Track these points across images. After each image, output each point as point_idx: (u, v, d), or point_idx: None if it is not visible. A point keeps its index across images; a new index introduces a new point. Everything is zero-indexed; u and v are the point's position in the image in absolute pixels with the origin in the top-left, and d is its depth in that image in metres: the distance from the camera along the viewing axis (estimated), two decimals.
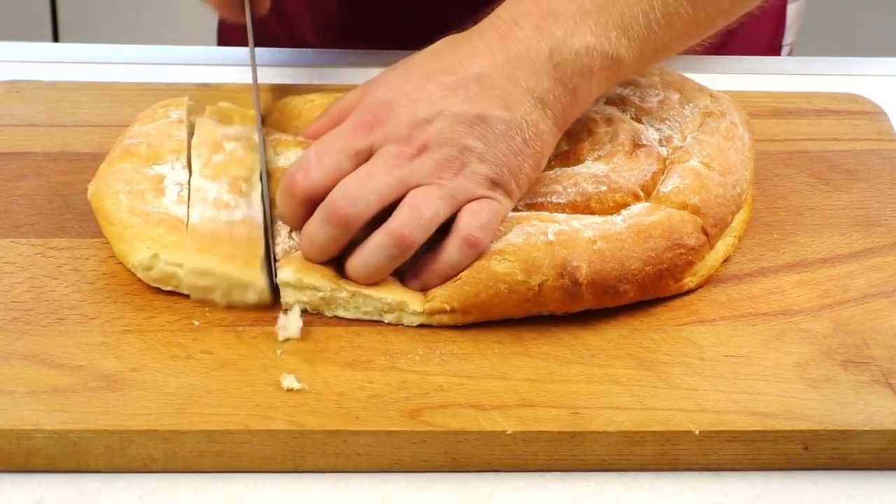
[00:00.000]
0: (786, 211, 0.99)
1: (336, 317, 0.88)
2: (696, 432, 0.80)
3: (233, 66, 1.17)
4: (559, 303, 0.87)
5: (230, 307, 0.88)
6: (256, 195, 0.91)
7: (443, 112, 0.86)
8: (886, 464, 0.82)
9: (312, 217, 0.86)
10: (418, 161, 0.86)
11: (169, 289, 0.88)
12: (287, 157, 0.94)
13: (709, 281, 0.92)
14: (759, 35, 1.29)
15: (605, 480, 0.81)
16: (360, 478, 0.80)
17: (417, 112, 0.86)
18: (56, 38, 2.46)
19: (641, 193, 0.91)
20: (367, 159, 0.87)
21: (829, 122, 1.08)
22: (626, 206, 0.90)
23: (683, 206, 0.91)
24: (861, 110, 1.09)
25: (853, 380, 0.84)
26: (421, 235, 0.85)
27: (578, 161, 0.93)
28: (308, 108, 1.00)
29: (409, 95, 0.87)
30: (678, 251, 0.89)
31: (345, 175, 0.86)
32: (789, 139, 1.06)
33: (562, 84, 0.88)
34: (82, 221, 0.93)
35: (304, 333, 0.86)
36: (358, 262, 0.86)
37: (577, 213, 0.90)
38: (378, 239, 0.86)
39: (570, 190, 0.90)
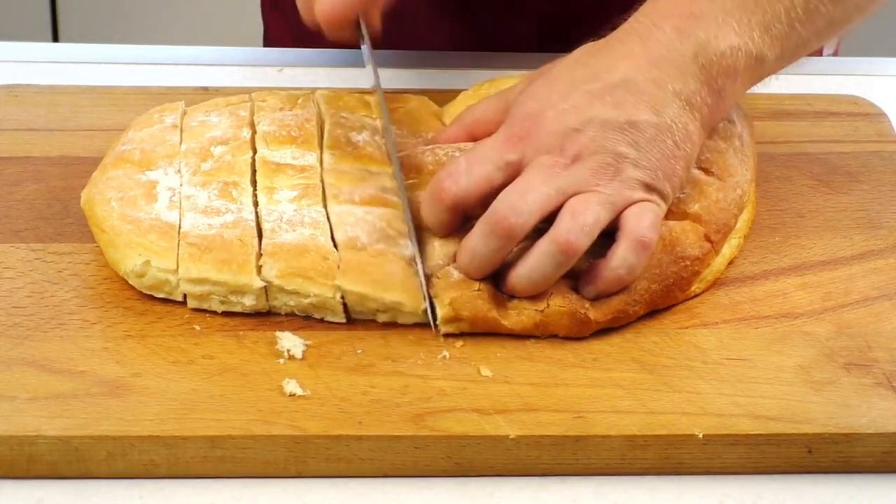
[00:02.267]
0: (787, 213, 0.98)
1: (348, 321, 0.87)
2: (700, 436, 0.80)
3: (233, 67, 1.17)
4: (568, 328, 0.86)
5: (228, 313, 0.87)
6: (247, 199, 0.90)
7: (592, 120, 0.86)
8: (890, 466, 0.82)
9: (473, 232, 0.86)
10: (573, 170, 0.85)
11: (162, 295, 0.88)
12: (281, 154, 0.93)
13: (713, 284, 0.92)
14: None
15: (605, 480, 0.81)
16: (362, 483, 0.80)
17: (567, 122, 0.86)
18: (56, 39, 2.46)
19: None
20: (517, 171, 0.86)
21: (829, 123, 1.07)
22: None
23: (683, 216, 0.90)
24: (861, 112, 1.09)
25: (856, 383, 0.84)
26: (585, 242, 0.85)
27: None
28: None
29: (556, 106, 0.87)
30: (683, 264, 0.89)
31: (494, 186, 0.86)
32: (790, 141, 1.06)
33: (707, 86, 0.88)
34: (82, 226, 0.92)
35: (305, 337, 0.86)
36: (524, 272, 0.85)
37: None
38: (543, 247, 0.85)
39: None
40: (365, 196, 0.91)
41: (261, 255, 0.87)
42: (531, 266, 0.85)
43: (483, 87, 1.02)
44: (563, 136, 0.85)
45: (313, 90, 1.01)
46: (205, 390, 0.81)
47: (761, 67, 0.89)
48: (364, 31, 0.95)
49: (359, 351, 0.85)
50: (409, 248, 0.88)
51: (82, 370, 0.82)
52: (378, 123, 0.97)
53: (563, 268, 0.85)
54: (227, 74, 1.16)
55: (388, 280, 0.86)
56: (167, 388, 0.81)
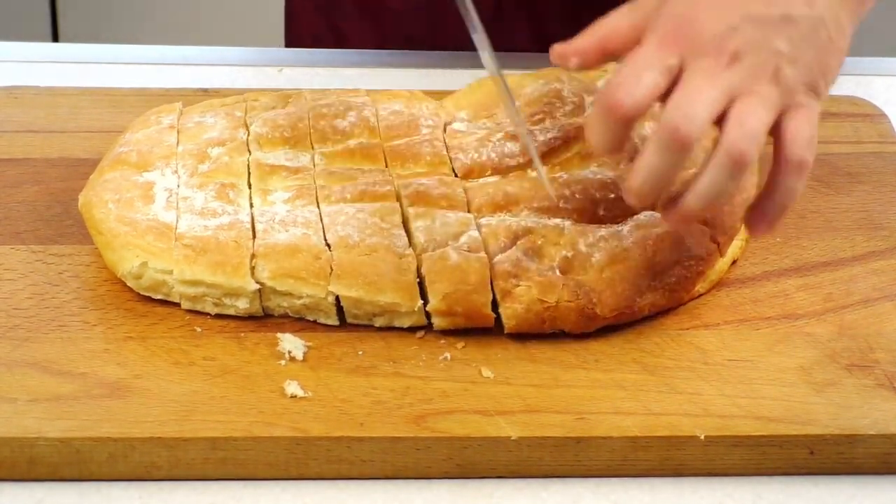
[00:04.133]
0: (788, 214, 0.98)
1: (340, 324, 0.87)
2: (702, 437, 0.80)
3: (232, 67, 1.17)
4: (574, 323, 0.86)
5: (221, 315, 0.87)
6: (245, 201, 0.90)
7: (747, 18, 0.84)
8: (892, 468, 0.82)
9: (646, 148, 0.83)
10: (734, 70, 0.83)
11: (160, 297, 0.88)
12: (276, 155, 0.93)
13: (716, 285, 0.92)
14: None
15: (605, 480, 0.81)
16: (364, 484, 0.80)
17: (722, 21, 0.84)
18: (56, 39, 2.45)
19: None
20: (678, 75, 0.84)
21: (830, 125, 1.07)
22: (633, 213, 0.90)
23: None
24: (862, 113, 1.09)
25: (858, 384, 0.84)
26: (756, 150, 0.82)
27: (585, 165, 0.93)
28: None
29: (708, 5, 0.85)
30: (687, 263, 0.89)
31: (661, 92, 0.84)
32: None
33: None
34: (82, 228, 0.92)
35: (306, 339, 0.86)
36: (701, 189, 0.83)
37: (583, 220, 0.89)
38: (717, 162, 0.82)
39: (578, 196, 0.90)
40: (356, 193, 0.90)
41: (254, 256, 0.87)
42: (707, 183, 0.83)
43: (486, 83, 1.01)
44: (720, 37, 0.83)
45: (301, 91, 1.00)
46: (206, 392, 0.81)
47: None
48: (473, 14, 0.92)
49: (360, 352, 0.85)
50: (402, 237, 0.87)
51: (83, 372, 0.82)
52: (358, 100, 0.97)
53: (738, 179, 0.83)
54: (226, 74, 1.16)
55: (381, 281, 0.86)
56: (168, 389, 0.81)
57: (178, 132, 0.95)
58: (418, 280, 0.87)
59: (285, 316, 0.87)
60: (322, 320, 0.87)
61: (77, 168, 0.98)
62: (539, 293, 0.85)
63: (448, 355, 0.85)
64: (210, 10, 2.42)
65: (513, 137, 0.94)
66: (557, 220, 0.89)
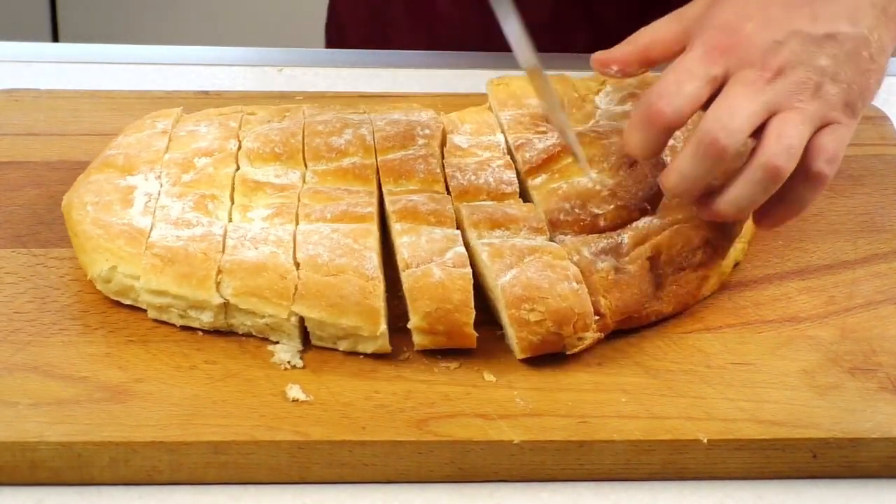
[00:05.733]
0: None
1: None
2: (705, 441, 0.80)
3: (233, 67, 1.17)
4: (590, 346, 0.85)
5: (186, 328, 0.86)
6: (224, 213, 0.89)
7: (793, 32, 0.85)
8: (895, 471, 0.81)
9: (682, 152, 0.85)
10: (776, 85, 0.84)
11: (128, 302, 0.87)
12: (265, 172, 0.92)
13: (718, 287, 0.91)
14: None
15: (606, 481, 0.81)
16: (365, 488, 0.80)
17: (768, 34, 0.85)
18: (56, 38, 2.45)
19: (648, 207, 0.91)
20: (721, 84, 0.85)
21: None
22: (632, 220, 0.90)
23: (690, 219, 0.90)
24: (864, 115, 1.08)
25: (861, 387, 0.84)
26: (791, 165, 0.84)
27: (583, 172, 0.92)
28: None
29: (754, 17, 0.86)
30: (690, 268, 0.89)
31: (703, 102, 0.85)
32: None
33: None
34: None
35: (308, 342, 0.86)
36: (732, 198, 0.85)
37: (584, 232, 0.89)
38: (751, 174, 0.84)
39: (577, 210, 0.90)
40: (336, 213, 0.89)
41: (220, 271, 0.85)
42: (739, 193, 0.85)
43: (503, 84, 1.01)
44: (766, 49, 0.85)
45: (300, 106, 0.99)
46: (207, 396, 0.81)
47: None
48: (511, 7, 0.92)
49: (361, 356, 0.85)
50: (373, 259, 0.85)
51: (84, 376, 0.82)
52: (354, 117, 0.96)
53: (770, 192, 0.85)
54: (226, 74, 1.16)
55: (344, 303, 0.84)
56: (170, 393, 0.81)
57: (169, 139, 0.95)
58: (400, 295, 0.86)
59: (249, 335, 0.86)
60: (285, 341, 0.85)
61: (78, 171, 0.98)
62: (555, 326, 0.84)
63: (449, 358, 0.85)
64: (210, 11, 2.42)
65: (510, 165, 0.93)
66: (559, 237, 0.89)
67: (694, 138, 0.84)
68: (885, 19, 0.87)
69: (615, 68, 0.91)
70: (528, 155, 0.94)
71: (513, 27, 0.91)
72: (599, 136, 0.94)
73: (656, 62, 0.90)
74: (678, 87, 0.85)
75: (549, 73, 0.95)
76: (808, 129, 0.84)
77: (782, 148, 0.83)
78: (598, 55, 0.92)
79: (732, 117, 0.83)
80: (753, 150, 0.84)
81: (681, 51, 0.87)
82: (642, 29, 0.92)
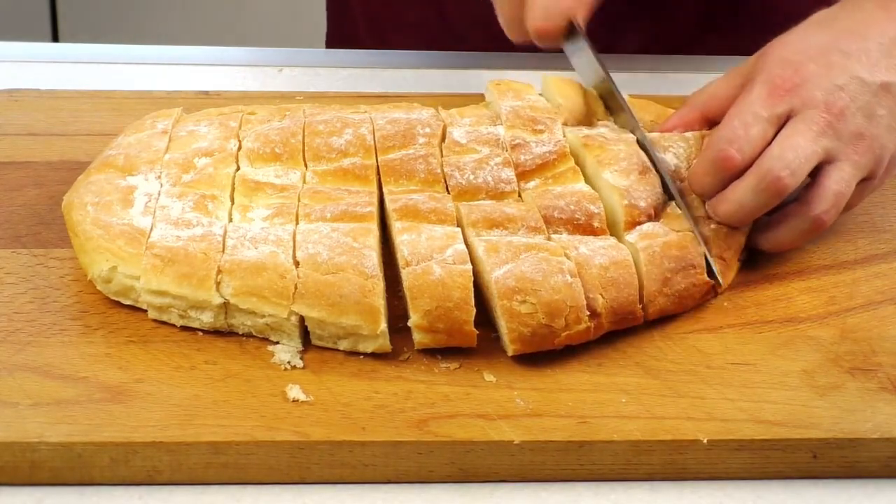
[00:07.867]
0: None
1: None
2: (705, 441, 0.80)
3: (233, 67, 1.17)
4: (579, 336, 0.85)
5: (186, 328, 0.86)
6: (224, 213, 0.89)
7: (854, 79, 0.88)
8: (895, 471, 0.81)
9: (743, 183, 0.88)
10: (837, 129, 0.88)
11: (128, 303, 0.87)
12: (265, 172, 0.92)
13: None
14: None
15: (606, 481, 0.81)
16: (365, 488, 0.80)
17: (831, 78, 0.88)
18: (56, 38, 2.46)
19: (653, 213, 0.91)
20: (784, 122, 0.88)
21: None
22: (635, 224, 0.90)
23: (692, 230, 0.90)
24: None
25: (861, 387, 0.84)
26: (834, 215, 0.89)
27: (577, 179, 0.92)
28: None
29: (816, 60, 0.89)
30: (691, 270, 0.89)
31: (768, 142, 0.88)
32: None
33: None
34: None
35: (308, 342, 0.86)
36: (775, 239, 0.91)
37: (577, 232, 0.89)
38: (800, 222, 0.89)
39: (572, 207, 0.89)
40: (336, 213, 0.89)
41: (220, 271, 0.85)
42: (783, 234, 0.90)
43: (503, 84, 1.01)
44: (828, 91, 0.88)
45: (301, 105, 0.99)
46: (207, 396, 0.81)
47: None
48: (579, 28, 0.96)
49: (362, 356, 0.85)
50: (373, 258, 0.85)
51: (84, 376, 0.82)
52: (353, 116, 0.96)
53: (811, 239, 0.91)
54: (226, 75, 1.16)
55: (344, 302, 0.83)
56: (170, 393, 0.81)
57: (169, 139, 0.95)
58: (400, 294, 0.86)
59: (249, 335, 0.86)
60: (285, 341, 0.85)
61: (78, 171, 0.98)
62: (546, 318, 0.84)
63: (449, 359, 0.85)
64: (210, 11, 2.42)
65: (508, 163, 0.93)
66: (556, 236, 0.88)
67: (755, 172, 0.87)
68: None
69: (679, 130, 0.96)
70: (522, 158, 0.94)
71: (587, 44, 0.96)
72: (608, 141, 0.95)
73: (716, 119, 0.93)
74: (746, 130, 0.88)
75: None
76: (856, 178, 0.89)
77: (831, 205, 0.88)
78: (663, 127, 0.96)
79: (797, 158, 0.87)
80: (803, 195, 0.89)
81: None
82: (698, 91, 0.96)
